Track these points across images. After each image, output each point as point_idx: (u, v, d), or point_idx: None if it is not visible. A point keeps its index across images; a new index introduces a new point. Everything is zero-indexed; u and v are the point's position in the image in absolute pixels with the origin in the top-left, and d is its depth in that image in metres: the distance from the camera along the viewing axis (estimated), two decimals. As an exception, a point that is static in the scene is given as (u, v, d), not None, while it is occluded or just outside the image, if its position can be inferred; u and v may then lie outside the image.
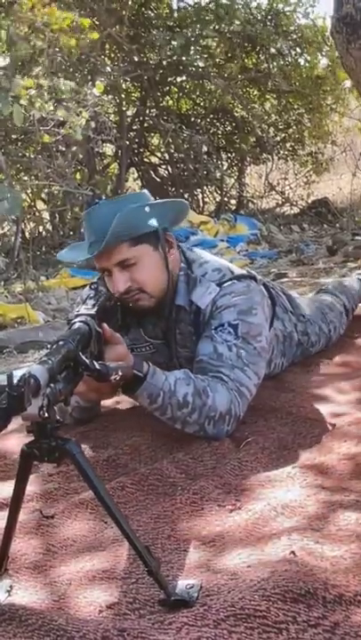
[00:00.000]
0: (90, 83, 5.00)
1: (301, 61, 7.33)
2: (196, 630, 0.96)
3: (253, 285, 1.77)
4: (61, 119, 4.35)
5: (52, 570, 1.18)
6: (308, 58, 7.24)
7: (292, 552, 1.11)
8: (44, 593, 1.11)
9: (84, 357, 1.20)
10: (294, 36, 7.13)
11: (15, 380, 0.94)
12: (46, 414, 1.01)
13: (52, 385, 1.05)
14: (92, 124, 4.82)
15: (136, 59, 6.64)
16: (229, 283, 1.72)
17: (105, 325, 1.45)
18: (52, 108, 4.24)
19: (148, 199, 1.72)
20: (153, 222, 1.65)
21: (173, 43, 6.48)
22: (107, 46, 6.68)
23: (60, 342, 1.17)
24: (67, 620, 1.00)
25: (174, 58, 6.66)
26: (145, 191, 1.81)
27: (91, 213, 1.66)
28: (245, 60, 7.24)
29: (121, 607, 1.04)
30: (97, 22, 6.19)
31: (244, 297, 1.71)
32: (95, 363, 1.26)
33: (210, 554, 1.16)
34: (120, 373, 1.36)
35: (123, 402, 1.97)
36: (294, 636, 0.93)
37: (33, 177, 5.09)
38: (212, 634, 0.95)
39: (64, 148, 5.24)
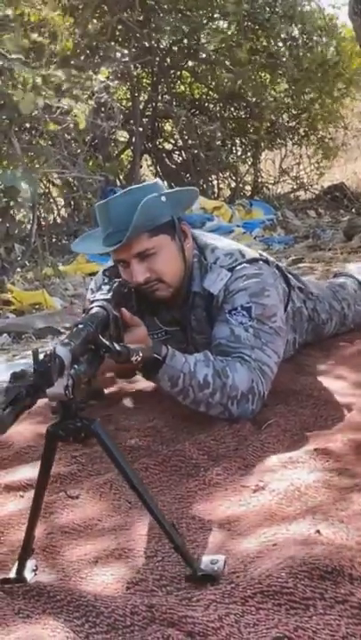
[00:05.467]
0: (95, 70, 4.97)
1: (312, 45, 7.25)
2: (224, 607, 0.97)
3: (265, 267, 1.76)
4: (66, 107, 4.33)
5: (78, 548, 1.19)
6: (318, 42, 7.15)
7: (318, 531, 1.11)
8: (71, 571, 1.12)
9: (104, 339, 1.21)
10: (304, 21, 7.04)
11: (41, 357, 0.95)
12: (71, 394, 1.02)
13: (75, 366, 1.05)
14: (101, 111, 4.81)
15: (147, 44, 6.59)
16: (241, 267, 1.72)
17: (124, 309, 1.45)
18: (55, 96, 4.22)
19: (162, 188, 1.72)
20: (170, 212, 1.65)
21: (183, 27, 6.42)
22: (117, 32, 6.63)
23: (80, 326, 1.18)
24: (95, 597, 1.01)
25: (185, 42, 6.60)
26: (157, 180, 1.80)
27: (107, 204, 1.65)
28: (256, 44, 7.16)
29: (148, 584, 1.05)
30: (106, 8, 6.16)
31: (255, 280, 1.70)
32: (116, 344, 1.27)
33: (235, 532, 1.17)
34: (141, 355, 1.37)
35: (143, 386, 1.98)
36: (322, 612, 0.93)
37: (44, 164, 5.08)
38: (239, 610, 0.96)
39: (73, 136, 5.22)
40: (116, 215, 1.62)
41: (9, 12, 4.27)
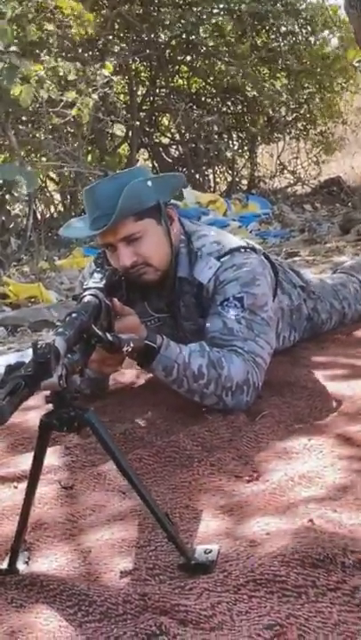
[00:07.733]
0: (99, 64, 4.95)
1: (312, 40, 7.24)
2: (216, 595, 0.97)
3: (254, 256, 1.75)
4: (69, 100, 4.32)
5: (71, 539, 1.19)
6: (319, 37, 7.14)
7: (311, 520, 1.12)
8: (64, 560, 1.12)
9: (97, 329, 1.22)
10: (305, 15, 7.03)
11: (40, 349, 0.95)
12: (65, 384, 1.02)
13: (69, 355, 1.06)
14: (102, 105, 4.80)
15: (146, 38, 6.58)
16: (229, 256, 1.71)
17: (115, 299, 1.46)
18: (59, 90, 4.21)
19: (148, 174, 1.72)
20: (156, 196, 1.65)
21: (183, 21, 6.40)
22: (116, 25, 6.61)
23: (74, 315, 1.18)
24: (88, 586, 1.01)
25: (184, 36, 6.58)
26: (143, 166, 1.81)
27: (94, 189, 1.65)
28: (256, 39, 7.15)
29: (141, 573, 1.05)
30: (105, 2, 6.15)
31: (245, 269, 1.70)
32: (108, 334, 1.28)
33: (228, 522, 1.17)
34: (132, 345, 1.38)
35: (139, 378, 1.98)
36: (314, 599, 0.94)
37: (43, 158, 5.07)
38: (232, 598, 0.96)
39: (73, 129, 5.21)
40: (102, 199, 1.62)
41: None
